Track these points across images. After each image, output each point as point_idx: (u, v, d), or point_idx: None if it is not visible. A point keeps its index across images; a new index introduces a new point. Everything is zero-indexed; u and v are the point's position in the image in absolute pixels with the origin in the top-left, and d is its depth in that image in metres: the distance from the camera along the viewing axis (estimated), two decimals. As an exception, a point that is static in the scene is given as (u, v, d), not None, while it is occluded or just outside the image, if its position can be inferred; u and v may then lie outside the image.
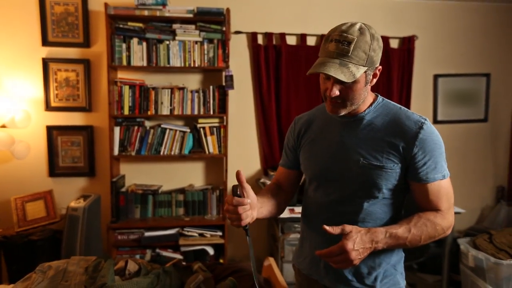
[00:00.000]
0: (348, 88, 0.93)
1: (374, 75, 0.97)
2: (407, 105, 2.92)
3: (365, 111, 1.02)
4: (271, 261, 1.71)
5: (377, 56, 0.93)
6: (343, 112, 0.98)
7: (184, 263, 2.50)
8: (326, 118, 1.10)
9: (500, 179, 3.14)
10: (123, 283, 1.17)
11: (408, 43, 2.88)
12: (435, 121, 3.02)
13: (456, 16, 2.97)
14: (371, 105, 1.03)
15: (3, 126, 2.41)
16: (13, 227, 2.32)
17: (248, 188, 0.94)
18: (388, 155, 0.97)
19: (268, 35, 2.75)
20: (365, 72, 0.92)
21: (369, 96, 1.03)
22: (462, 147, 3.07)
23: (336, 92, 0.93)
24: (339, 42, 0.88)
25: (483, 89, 3.05)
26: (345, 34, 0.88)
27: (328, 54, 0.90)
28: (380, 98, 1.05)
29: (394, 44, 2.90)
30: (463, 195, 3.02)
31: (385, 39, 2.84)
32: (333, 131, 1.06)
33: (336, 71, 0.87)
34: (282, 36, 2.75)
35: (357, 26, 0.90)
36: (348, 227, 0.89)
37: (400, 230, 0.93)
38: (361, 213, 1.01)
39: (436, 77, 3.00)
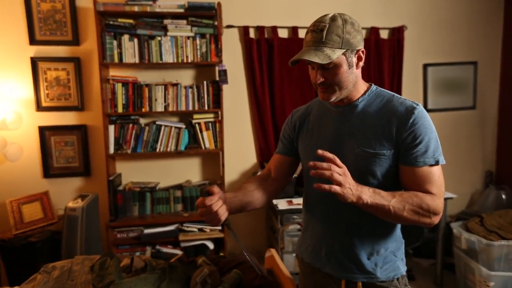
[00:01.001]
0: (331, 73, 0.97)
1: (359, 58, 1.00)
2: (399, 94, 2.97)
3: (358, 99, 1.05)
4: (273, 252, 1.75)
5: (355, 38, 0.96)
6: (333, 98, 1.01)
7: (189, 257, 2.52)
8: (322, 109, 1.14)
9: (489, 164, 3.25)
10: (131, 279, 1.18)
11: (397, 33, 2.92)
12: (426, 110, 3.07)
13: (443, 5, 3.02)
14: (364, 93, 1.06)
15: (-6, 128, 2.37)
16: (10, 230, 2.30)
17: (213, 187, 1.01)
18: (382, 141, 0.99)
19: (260, 29, 2.75)
20: (344, 54, 0.96)
21: (363, 85, 1.07)
22: (453, 135, 3.15)
23: (320, 77, 0.98)
24: (314, 31, 0.95)
25: (471, 77, 3.13)
26: (318, 23, 0.96)
27: (306, 45, 0.97)
28: (374, 86, 1.08)
29: (384, 34, 2.94)
30: (454, 181, 3.11)
31: (375, 30, 2.88)
32: (328, 121, 1.10)
33: (310, 56, 0.93)
34: (274, 29, 2.76)
35: (329, 15, 0.97)
36: (339, 161, 0.90)
37: (384, 192, 0.93)
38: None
39: (425, 66, 3.05)
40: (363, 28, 2.89)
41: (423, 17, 3.00)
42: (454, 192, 2.66)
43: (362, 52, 1.00)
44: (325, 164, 0.88)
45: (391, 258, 1.08)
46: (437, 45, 3.04)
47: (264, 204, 1.19)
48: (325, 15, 0.97)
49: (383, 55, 2.89)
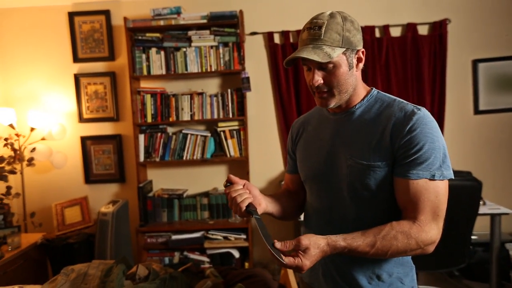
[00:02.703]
0: (330, 74, 0.89)
1: (359, 59, 0.91)
2: (442, 96, 2.67)
3: (356, 105, 0.95)
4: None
5: (355, 37, 0.88)
6: (333, 103, 0.92)
7: (208, 265, 2.53)
8: (321, 117, 1.05)
9: (561, 173, 2.75)
10: (128, 289, 1.20)
11: (439, 28, 2.64)
12: (477, 112, 2.73)
13: (495, -8, 2.65)
14: (364, 98, 0.95)
15: (43, 139, 2.64)
16: (54, 231, 2.53)
17: (230, 176, 0.95)
18: (376, 151, 0.88)
19: (285, 33, 2.69)
20: (344, 54, 0.87)
21: (363, 89, 0.96)
22: (511, 139, 2.73)
23: (318, 79, 0.89)
24: (310, 29, 0.87)
25: (535, 72, 2.69)
26: (315, 21, 0.88)
27: (302, 43, 0.89)
28: (374, 91, 0.97)
29: (423, 30, 2.67)
30: (513, 193, 2.70)
31: (412, 26, 2.63)
32: (326, 130, 1.01)
33: (308, 54, 0.85)
34: (299, 33, 2.67)
35: (328, 12, 0.89)
36: (304, 242, 0.79)
37: (362, 245, 0.82)
38: (353, 217, 0.93)
39: (475, 62, 2.70)
40: (397, 25, 2.67)
41: (469, 8, 2.67)
42: (513, 206, 2.30)
43: (362, 52, 0.91)
44: (290, 260, 0.79)
45: (397, 285, 0.94)
46: (488, 38, 2.68)
47: (294, 214, 1.13)
48: (323, 12, 0.90)
49: (422, 53, 2.63)
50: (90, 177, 2.83)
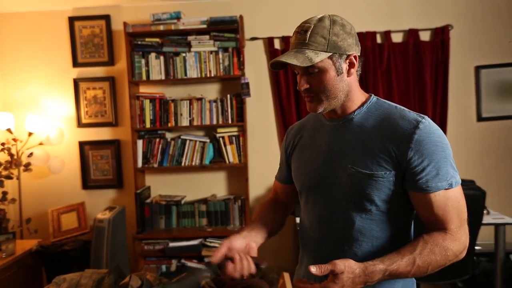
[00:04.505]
0: (316, 79, 0.87)
1: (351, 65, 0.88)
2: (444, 102, 2.64)
3: (355, 112, 0.91)
4: (285, 277, 1.63)
5: (344, 41, 0.85)
6: (321, 108, 0.90)
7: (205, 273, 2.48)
8: (316, 123, 1.01)
9: None
10: (119, 300, 1.16)
11: (441, 34, 2.61)
12: (480, 119, 2.69)
13: (498, -2, 2.63)
14: (362, 105, 0.92)
15: (40, 144, 2.62)
16: (49, 238, 2.49)
17: (219, 261, 0.84)
18: (379, 161, 0.85)
19: (285, 39, 2.67)
20: (331, 58, 0.85)
21: (361, 96, 0.93)
22: (515, 147, 2.69)
23: (304, 83, 0.88)
24: (298, 33, 0.87)
25: (539, 79, 2.65)
26: (303, 24, 0.87)
27: (290, 47, 0.89)
28: (373, 97, 0.93)
29: (425, 36, 2.65)
30: (518, 202, 2.64)
31: (414, 32, 2.61)
32: (322, 137, 0.97)
33: (289, 58, 0.83)
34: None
35: (318, 16, 0.87)
36: (339, 266, 0.75)
37: (402, 264, 0.79)
38: (354, 230, 0.88)
39: (477, 68, 2.67)
40: (399, 31, 2.65)
41: (472, 14, 2.64)
42: (518, 215, 2.24)
43: (355, 57, 0.88)
44: (316, 286, 0.76)
45: None
46: (491, 44, 2.65)
47: (279, 228, 1.09)
48: (314, 16, 0.88)
49: (424, 59, 2.60)
50: (87, 183, 2.80)
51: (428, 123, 0.83)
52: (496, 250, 2.17)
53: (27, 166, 2.55)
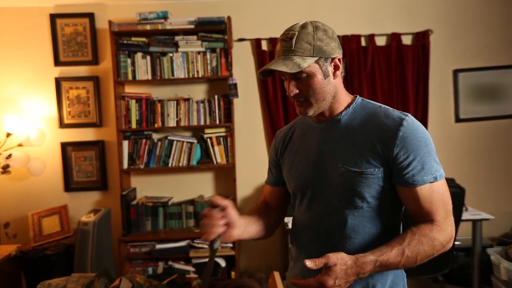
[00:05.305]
0: (305, 83, 0.89)
1: (336, 67, 0.91)
2: (425, 104, 2.74)
3: (341, 113, 0.95)
4: (275, 276, 1.65)
5: (328, 45, 0.88)
6: (311, 111, 0.92)
7: (193, 275, 2.46)
8: (305, 126, 1.04)
9: (537, 179, 2.85)
10: (111, 303, 1.14)
11: (422, 38, 2.71)
12: (458, 120, 2.81)
13: (473, 5, 2.76)
14: (348, 106, 0.95)
15: (20, 145, 2.52)
16: (30, 242, 2.40)
17: (228, 206, 0.88)
18: (368, 158, 0.88)
19: (272, 40, 2.69)
20: (317, 63, 0.88)
21: (346, 97, 0.96)
22: (490, 146, 2.82)
23: (293, 89, 0.90)
24: (283, 40, 0.89)
25: (511, 82, 2.80)
26: (287, 32, 0.89)
27: (276, 55, 0.91)
28: (358, 98, 0.97)
29: (407, 40, 2.74)
30: (493, 199, 2.77)
31: (397, 36, 2.70)
32: (311, 139, 1.00)
33: (278, 65, 0.86)
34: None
35: (300, 23, 0.90)
36: (332, 259, 0.78)
37: (392, 255, 0.82)
38: (347, 227, 0.91)
39: (456, 72, 2.79)
40: (382, 35, 2.73)
41: (451, 20, 2.76)
42: (495, 212, 2.36)
43: (339, 60, 0.91)
44: (311, 280, 0.78)
45: None
46: (469, 49, 2.78)
47: (270, 235, 1.09)
48: (296, 24, 0.90)
49: (406, 62, 2.70)
50: (70, 185, 2.72)
51: (411, 120, 0.88)
52: (473, 245, 2.27)
53: (5, 168, 2.45)
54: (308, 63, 0.86)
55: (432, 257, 0.85)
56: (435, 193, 0.86)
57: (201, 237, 0.89)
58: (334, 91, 0.92)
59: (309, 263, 0.78)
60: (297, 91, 0.90)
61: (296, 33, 0.87)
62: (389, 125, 0.87)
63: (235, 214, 0.90)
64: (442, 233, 0.85)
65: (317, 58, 0.87)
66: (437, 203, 0.86)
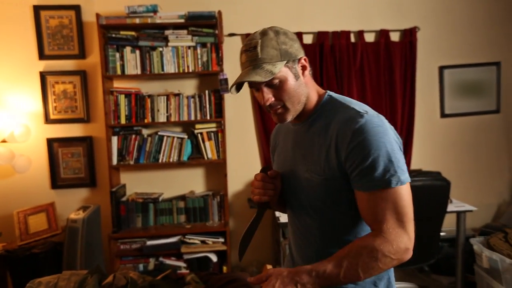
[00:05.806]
0: (279, 89, 0.87)
1: (303, 67, 0.91)
2: (412, 100, 2.81)
3: (312, 114, 0.94)
4: (268, 269, 1.67)
5: (292, 47, 0.88)
6: (290, 117, 0.91)
7: (185, 271, 2.46)
8: (285, 128, 1.06)
9: (517, 172, 2.98)
10: (106, 300, 1.13)
11: (409, 35, 2.77)
12: (443, 115, 2.89)
13: (459, 4, 2.83)
14: (317, 105, 0.94)
15: (3, 141, 2.44)
16: (16, 241, 2.34)
17: (279, 175, 0.98)
18: (327, 163, 0.87)
19: (263, 36, 2.69)
20: (287, 66, 0.87)
21: (316, 95, 0.95)
22: (474, 141, 2.92)
23: (269, 97, 0.87)
24: (247, 51, 0.88)
25: (494, 79, 2.90)
26: (249, 42, 0.88)
27: (243, 67, 0.90)
28: (326, 96, 0.94)
29: (395, 37, 2.79)
30: (477, 191, 2.88)
31: (385, 33, 2.74)
32: (288, 142, 1.02)
33: (250, 76, 0.84)
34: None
35: (259, 31, 0.90)
36: (269, 271, 0.82)
37: (329, 266, 0.78)
38: (320, 227, 0.93)
39: (441, 68, 2.87)
40: (371, 31, 2.77)
41: (437, 17, 2.83)
42: (477, 204, 2.45)
43: (305, 59, 0.91)
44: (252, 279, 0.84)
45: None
46: (454, 46, 2.85)
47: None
48: (254, 32, 0.90)
49: (394, 58, 2.75)
50: (57, 182, 2.66)
51: (365, 121, 0.81)
52: (457, 236, 2.35)
53: (-11, 165, 2.38)
54: (278, 68, 0.85)
55: (383, 268, 0.79)
56: (384, 201, 0.78)
57: (253, 198, 0.97)
58: (306, 91, 0.92)
59: (252, 279, 0.83)
60: (273, 98, 0.88)
61: (259, 41, 0.86)
62: (346, 127, 0.83)
63: (280, 184, 0.99)
64: (386, 244, 0.77)
65: (285, 62, 0.86)
66: (386, 211, 0.78)
